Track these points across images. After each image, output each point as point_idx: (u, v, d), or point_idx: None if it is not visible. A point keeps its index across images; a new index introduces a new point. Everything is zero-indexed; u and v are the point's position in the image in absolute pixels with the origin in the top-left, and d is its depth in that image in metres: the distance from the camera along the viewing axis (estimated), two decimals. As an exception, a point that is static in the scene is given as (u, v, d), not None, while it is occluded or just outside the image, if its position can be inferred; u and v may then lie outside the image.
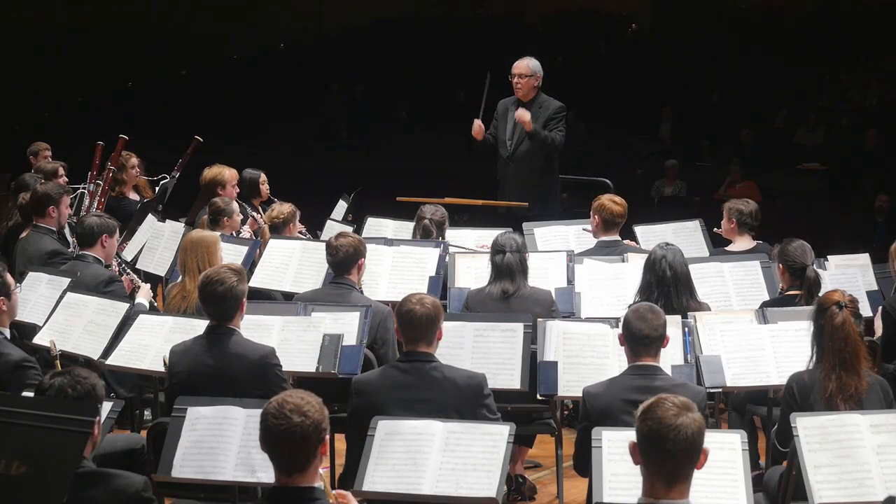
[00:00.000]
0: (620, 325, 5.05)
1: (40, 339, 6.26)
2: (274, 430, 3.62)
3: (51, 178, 8.83)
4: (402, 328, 5.04)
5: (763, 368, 5.69)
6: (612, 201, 7.35)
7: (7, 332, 5.53)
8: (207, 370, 5.21)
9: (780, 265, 6.41)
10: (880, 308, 6.47)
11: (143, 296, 6.80)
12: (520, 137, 9.08)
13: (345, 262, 6.29)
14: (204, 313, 5.55)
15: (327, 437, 3.72)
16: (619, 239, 7.40)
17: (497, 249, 6.40)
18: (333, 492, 3.97)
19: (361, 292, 6.47)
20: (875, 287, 7.02)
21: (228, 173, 8.49)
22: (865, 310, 6.66)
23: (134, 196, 9.49)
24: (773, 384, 5.59)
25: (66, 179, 9.07)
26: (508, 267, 6.34)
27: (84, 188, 9.05)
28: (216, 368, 5.21)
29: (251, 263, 7.41)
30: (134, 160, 9.40)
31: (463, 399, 4.95)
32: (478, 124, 9.16)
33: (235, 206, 7.94)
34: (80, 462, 3.83)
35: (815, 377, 5.01)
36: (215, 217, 7.78)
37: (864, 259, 7.17)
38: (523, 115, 8.85)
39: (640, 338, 4.89)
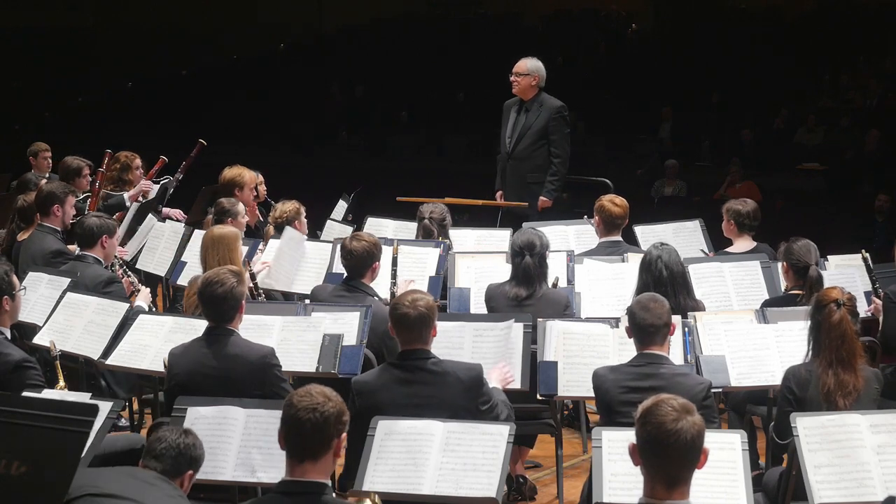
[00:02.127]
0: (626, 318, 5.14)
1: (40, 339, 6.25)
2: (297, 406, 3.68)
3: (73, 177, 8.83)
4: (396, 330, 5.05)
5: (768, 368, 5.69)
6: (612, 203, 7.35)
7: (7, 333, 5.52)
8: (207, 371, 5.20)
9: (785, 263, 6.43)
10: (882, 295, 6.49)
11: (143, 299, 6.76)
12: (519, 135, 9.11)
13: (358, 266, 6.28)
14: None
15: (345, 435, 3.75)
16: (621, 240, 7.39)
17: (516, 251, 6.38)
18: None
19: (379, 298, 6.39)
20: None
21: (249, 176, 8.38)
22: (864, 310, 6.66)
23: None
24: (778, 384, 5.58)
25: (89, 178, 9.07)
26: (526, 271, 6.31)
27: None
28: (216, 369, 5.20)
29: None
30: (138, 161, 9.40)
31: (464, 390, 4.97)
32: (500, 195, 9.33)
33: (241, 207, 7.89)
34: (78, 462, 3.82)
35: (812, 371, 5.04)
36: (220, 217, 7.73)
37: (863, 259, 7.16)
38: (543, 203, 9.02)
39: (644, 327, 4.99)
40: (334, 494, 3.87)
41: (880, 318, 6.43)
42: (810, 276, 6.24)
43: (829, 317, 5.02)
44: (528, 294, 6.29)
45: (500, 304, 6.33)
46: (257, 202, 8.74)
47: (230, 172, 8.43)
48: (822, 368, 5.00)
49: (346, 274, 6.41)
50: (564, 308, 6.33)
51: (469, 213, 9.73)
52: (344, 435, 3.73)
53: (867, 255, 6.72)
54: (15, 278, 5.59)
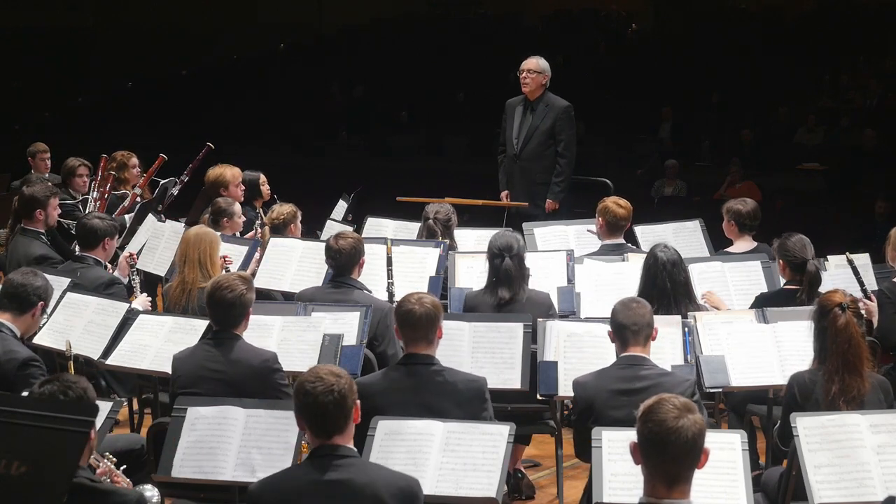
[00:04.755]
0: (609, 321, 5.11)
1: (40, 339, 6.25)
2: (312, 392, 3.81)
3: (69, 178, 8.85)
4: (401, 328, 5.03)
5: (767, 368, 5.69)
6: (616, 204, 7.29)
7: (18, 332, 5.58)
8: (209, 374, 5.22)
9: (781, 260, 6.42)
10: (872, 294, 6.50)
11: (140, 304, 6.78)
12: (527, 136, 9.11)
13: (348, 264, 6.33)
14: (204, 310, 5.55)
15: (358, 403, 3.89)
16: (624, 242, 7.35)
17: (494, 253, 6.36)
18: None
19: (368, 290, 6.44)
20: (875, 287, 7.01)
21: (230, 173, 8.45)
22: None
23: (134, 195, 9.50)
24: (779, 384, 5.58)
25: (87, 178, 9.08)
26: (506, 273, 6.29)
27: (91, 196, 9.04)
28: (218, 373, 5.21)
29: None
30: (134, 160, 9.42)
31: (465, 403, 4.95)
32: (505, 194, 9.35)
33: (238, 207, 7.92)
34: (79, 462, 3.82)
35: (817, 378, 5.01)
36: (216, 217, 7.77)
37: (864, 259, 7.16)
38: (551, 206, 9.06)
39: (626, 325, 4.98)
40: None
41: (874, 320, 6.42)
42: (808, 270, 6.24)
43: (835, 322, 4.98)
44: (511, 296, 6.26)
45: (484, 311, 6.28)
46: (261, 202, 8.75)
47: (213, 173, 8.49)
48: (827, 375, 4.96)
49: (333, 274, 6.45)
50: (548, 309, 6.31)
51: (469, 213, 9.73)
52: (358, 401, 3.90)
53: (851, 257, 6.71)
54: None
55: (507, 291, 6.28)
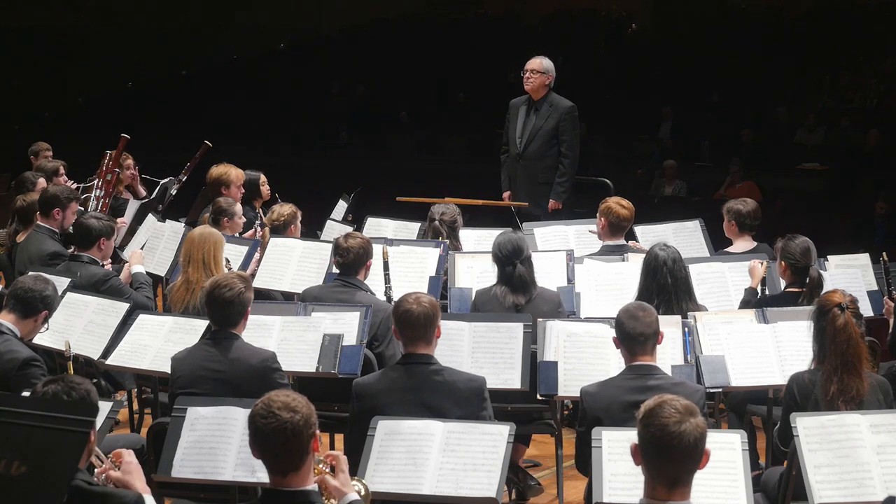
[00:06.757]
0: (614, 328, 5.07)
1: (40, 339, 6.25)
2: (264, 430, 3.62)
3: (51, 178, 8.83)
4: (399, 328, 5.04)
5: (767, 368, 5.69)
6: (619, 205, 7.27)
7: (18, 334, 5.58)
8: (209, 374, 5.22)
9: (783, 262, 6.40)
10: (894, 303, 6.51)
11: (136, 260, 6.86)
12: (530, 136, 9.11)
13: (355, 264, 6.32)
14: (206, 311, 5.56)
15: (318, 432, 3.71)
16: (625, 243, 7.35)
17: (504, 258, 6.34)
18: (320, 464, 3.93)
19: (371, 293, 6.46)
20: (875, 287, 7.02)
21: (234, 173, 8.42)
22: (866, 310, 6.67)
23: (127, 196, 9.51)
24: (778, 384, 5.58)
25: (66, 178, 9.07)
26: (521, 279, 6.30)
27: (94, 194, 9.04)
28: (217, 372, 5.22)
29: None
30: (129, 161, 9.41)
31: (464, 402, 4.95)
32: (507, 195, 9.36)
33: (239, 208, 7.91)
34: (78, 463, 3.81)
35: (816, 378, 5.01)
36: (217, 217, 7.76)
37: (864, 259, 7.17)
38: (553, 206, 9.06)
39: (634, 336, 4.92)
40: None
41: (891, 321, 6.43)
42: (811, 276, 6.23)
43: (834, 322, 4.98)
44: (527, 300, 6.29)
45: (496, 311, 6.28)
46: (261, 202, 8.74)
47: (216, 171, 8.46)
48: (826, 375, 4.96)
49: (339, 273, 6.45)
50: (558, 306, 6.34)
51: (469, 213, 9.73)
52: (318, 433, 3.70)
53: (887, 258, 6.72)
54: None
55: (522, 297, 6.30)
